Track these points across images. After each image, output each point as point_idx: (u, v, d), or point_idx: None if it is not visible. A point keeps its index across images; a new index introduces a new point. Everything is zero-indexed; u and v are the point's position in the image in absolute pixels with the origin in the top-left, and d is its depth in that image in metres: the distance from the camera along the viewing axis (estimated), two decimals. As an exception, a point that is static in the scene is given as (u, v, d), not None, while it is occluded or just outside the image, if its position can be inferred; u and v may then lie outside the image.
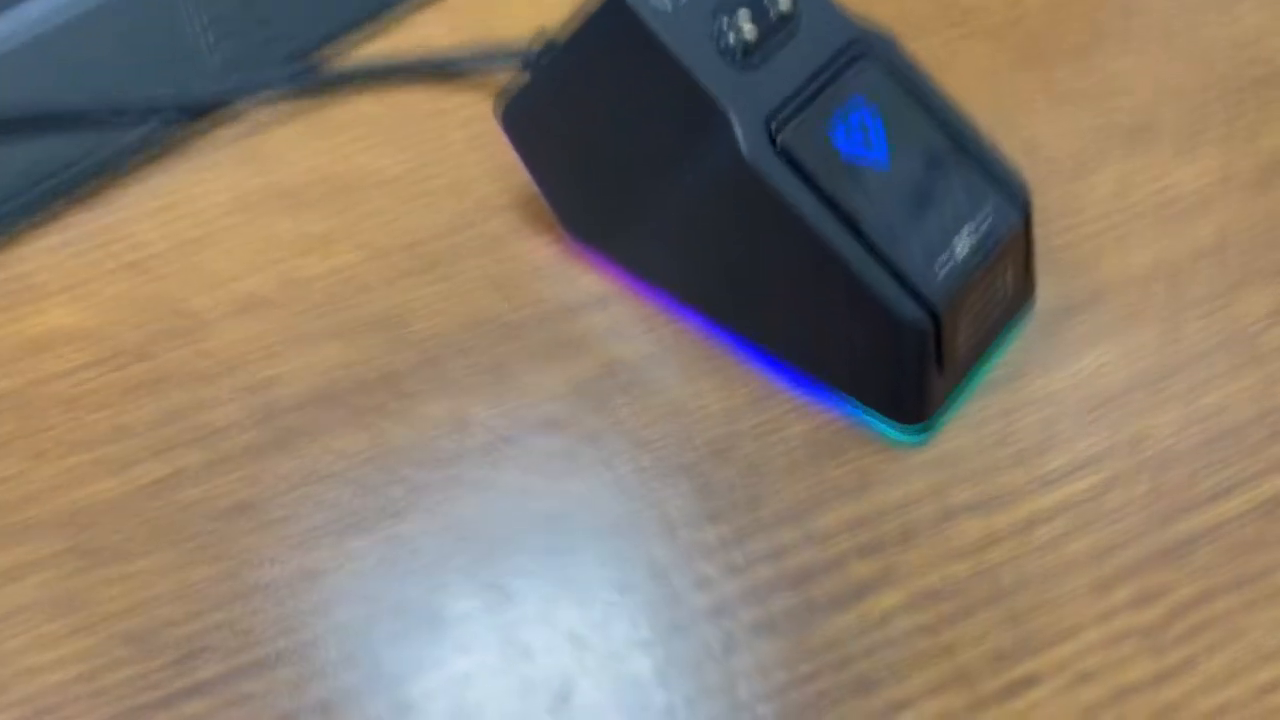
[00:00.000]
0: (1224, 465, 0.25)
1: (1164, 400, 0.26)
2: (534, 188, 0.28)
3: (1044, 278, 0.28)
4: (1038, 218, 0.28)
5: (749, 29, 0.23)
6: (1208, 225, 0.29)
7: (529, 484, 0.24)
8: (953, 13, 0.33)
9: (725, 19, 0.23)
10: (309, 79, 0.30)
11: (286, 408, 0.25)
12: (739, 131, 0.23)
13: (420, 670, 0.22)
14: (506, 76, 0.31)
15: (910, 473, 0.25)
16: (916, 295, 0.23)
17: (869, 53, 0.24)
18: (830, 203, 0.23)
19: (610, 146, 0.25)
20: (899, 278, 0.23)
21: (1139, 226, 0.29)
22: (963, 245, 0.24)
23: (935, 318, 0.23)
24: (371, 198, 0.29)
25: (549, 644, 0.23)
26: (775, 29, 0.24)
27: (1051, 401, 0.26)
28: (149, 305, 0.27)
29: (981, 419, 0.25)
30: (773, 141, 0.23)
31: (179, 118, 0.29)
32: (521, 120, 0.26)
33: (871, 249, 0.23)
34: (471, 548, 0.24)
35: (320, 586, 0.23)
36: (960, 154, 0.24)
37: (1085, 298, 0.27)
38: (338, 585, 0.23)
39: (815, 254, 0.23)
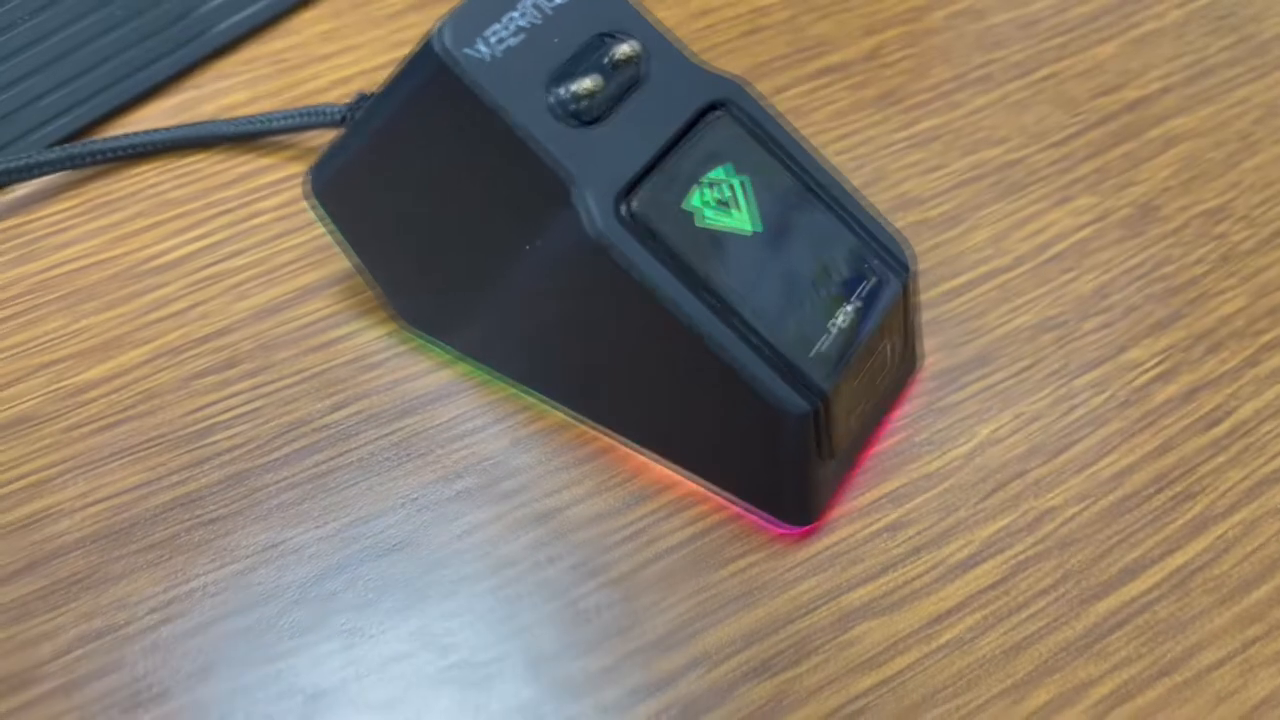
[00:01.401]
0: (1130, 541, 0.23)
1: (1063, 472, 0.24)
2: (354, 264, 0.24)
3: (929, 340, 0.25)
4: (917, 275, 0.26)
5: (587, 82, 0.20)
6: (1089, 274, 0.27)
7: (363, 624, 0.21)
8: (806, 53, 0.31)
9: (557, 68, 0.20)
10: (84, 159, 0.25)
11: (60, 549, 0.21)
12: (584, 201, 0.20)
13: None
14: (323, 139, 0.27)
15: (801, 575, 0.22)
16: (795, 379, 0.20)
17: (723, 104, 0.22)
18: (692, 278, 0.20)
19: (438, 220, 0.22)
20: (774, 361, 0.20)
21: (1020, 279, 0.27)
22: (843, 319, 0.21)
23: (816, 403, 0.20)
24: (159, 285, 0.25)
25: (393, 821, 0.19)
26: (617, 80, 0.21)
27: (946, 480, 0.23)
28: (-119, 431, 0.22)
29: (873, 506, 0.23)
30: (622, 211, 0.20)
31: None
32: (334, 187, 0.23)
33: (742, 329, 0.20)
34: (293, 708, 0.20)
35: (106, 772, 0.19)
36: (832, 216, 0.22)
37: (972, 360, 0.25)
38: (127, 770, 0.19)
39: (678, 337, 0.20)
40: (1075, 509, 0.23)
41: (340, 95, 0.28)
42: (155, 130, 0.26)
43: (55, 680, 0.20)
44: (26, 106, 0.26)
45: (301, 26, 0.29)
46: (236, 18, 0.28)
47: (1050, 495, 0.23)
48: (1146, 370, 0.25)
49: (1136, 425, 0.25)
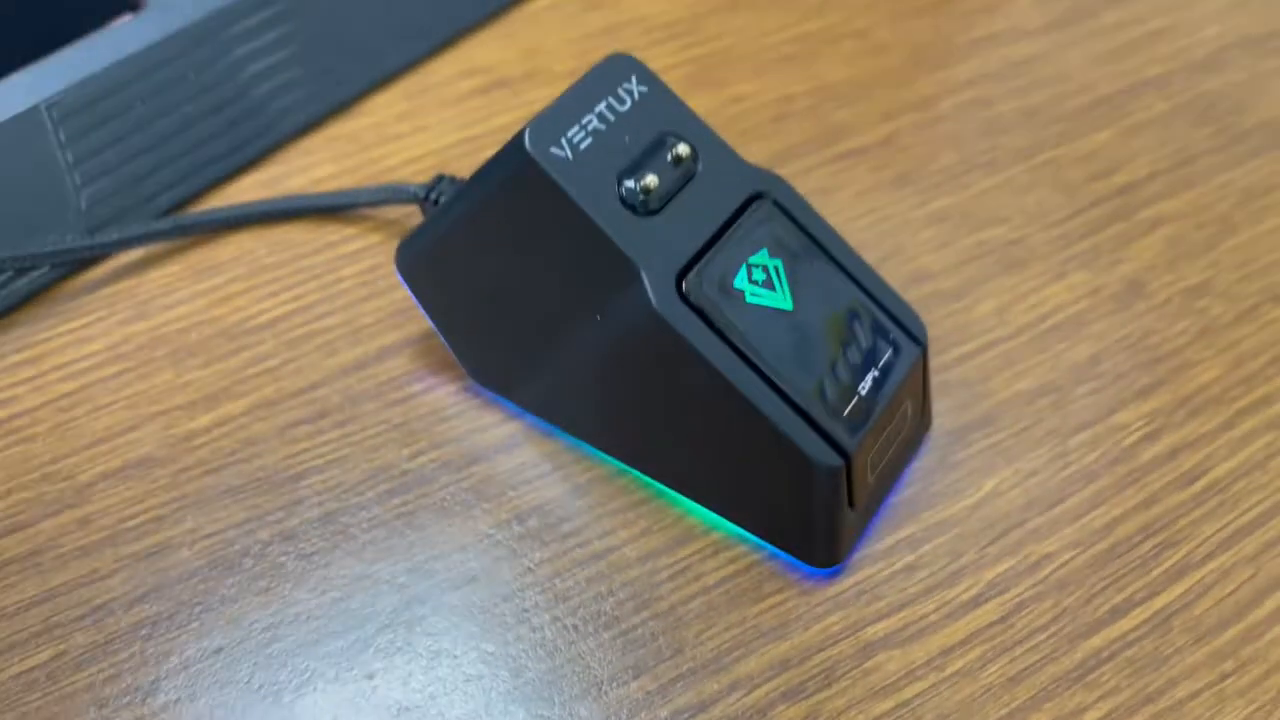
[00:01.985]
0: (1117, 584, 0.26)
1: (1058, 522, 0.27)
2: (432, 328, 0.27)
3: (939, 402, 0.28)
4: (930, 343, 0.29)
5: (651, 178, 0.23)
6: (1083, 343, 0.30)
7: (444, 646, 0.24)
8: (829, 136, 0.34)
9: (625, 165, 0.23)
10: (189, 228, 0.28)
11: (178, 577, 0.24)
12: (647, 282, 0.23)
13: None
14: (399, 213, 0.30)
15: (827, 610, 0.25)
16: (827, 438, 0.23)
17: (765, 195, 0.25)
18: (738, 349, 0.23)
19: (513, 293, 0.25)
20: (809, 422, 0.23)
21: (1021, 347, 0.30)
22: (867, 385, 0.24)
23: (846, 459, 0.23)
24: (257, 342, 0.28)
25: (473, 819, 0.22)
26: (675, 175, 0.24)
27: (955, 528, 0.26)
28: (20, 471, 0.25)
29: (891, 549, 0.26)
30: (680, 290, 0.23)
31: (51, 275, 0.27)
32: (418, 264, 0.26)
33: (781, 394, 0.23)
34: (385, 719, 0.23)
35: (221, 773, 0.22)
36: (858, 293, 0.25)
37: (978, 420, 0.28)
38: (241, 771, 0.22)
39: (727, 401, 0.23)
40: (1069, 555, 0.26)
41: (412, 172, 0.31)
42: (251, 203, 0.29)
43: (179, 691, 0.22)
44: (140, 181, 0.29)
45: (377, 108, 0.33)
46: (316, 106, 0.31)
47: (1047, 542, 0.26)
48: (1133, 431, 0.28)
49: (1124, 481, 0.28)
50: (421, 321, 0.28)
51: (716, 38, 0.36)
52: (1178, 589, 0.26)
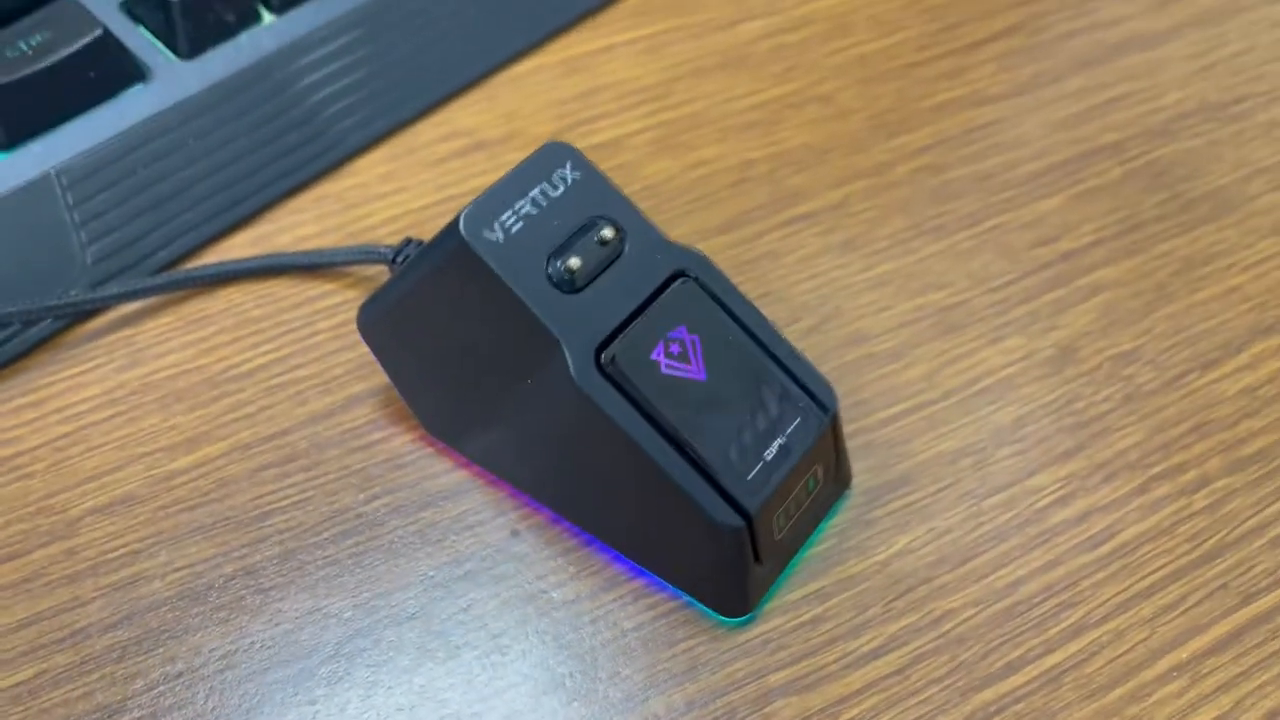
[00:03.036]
0: (1014, 640, 0.28)
1: (964, 579, 0.28)
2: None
3: (861, 460, 0.30)
4: (857, 403, 0.31)
5: (575, 259, 0.26)
6: (1009, 407, 0.32)
7: (380, 678, 0.26)
8: (782, 201, 0.36)
9: (555, 246, 0.26)
10: (182, 283, 0.31)
11: (149, 606, 0.27)
12: (568, 356, 0.25)
13: None
14: (373, 271, 0.33)
15: (734, 657, 0.27)
16: (730, 499, 0.25)
17: (687, 273, 0.27)
18: (651, 417, 0.25)
19: (456, 359, 0.27)
20: (715, 484, 0.25)
21: (948, 409, 0.32)
22: (773, 450, 0.26)
23: (748, 519, 0.26)
24: (238, 390, 0.31)
25: (395, 836, 0.24)
26: (600, 255, 0.26)
27: (864, 583, 0.28)
28: (17, 504, 0.28)
29: (800, 602, 0.28)
30: (598, 363, 0.25)
31: (54, 325, 0.30)
32: (377, 326, 0.28)
33: (690, 459, 0.25)
34: (323, 742, 0.25)
35: (177, 785, 0.24)
36: (770, 363, 0.27)
37: (897, 480, 0.30)
38: (193, 784, 0.25)
39: (639, 465, 0.25)
40: (971, 612, 0.28)
41: (390, 231, 0.34)
42: (239, 260, 0.32)
43: (142, 710, 0.25)
44: (140, 239, 0.32)
45: (363, 169, 0.35)
46: (304, 171, 0.34)
47: (951, 599, 0.28)
48: (1048, 494, 0.30)
49: (1033, 542, 0.29)
50: (384, 376, 0.30)
51: (687, 102, 0.38)
52: (1072, 647, 0.28)
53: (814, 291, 0.34)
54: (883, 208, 0.36)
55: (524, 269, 0.25)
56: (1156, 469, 0.31)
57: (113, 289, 0.31)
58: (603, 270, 0.26)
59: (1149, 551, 0.29)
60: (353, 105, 0.35)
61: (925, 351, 0.33)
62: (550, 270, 0.26)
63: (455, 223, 0.25)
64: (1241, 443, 0.31)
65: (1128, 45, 0.41)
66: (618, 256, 0.26)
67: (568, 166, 0.27)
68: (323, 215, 0.34)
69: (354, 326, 0.31)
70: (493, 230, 0.25)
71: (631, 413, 0.25)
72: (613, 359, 0.25)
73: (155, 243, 0.32)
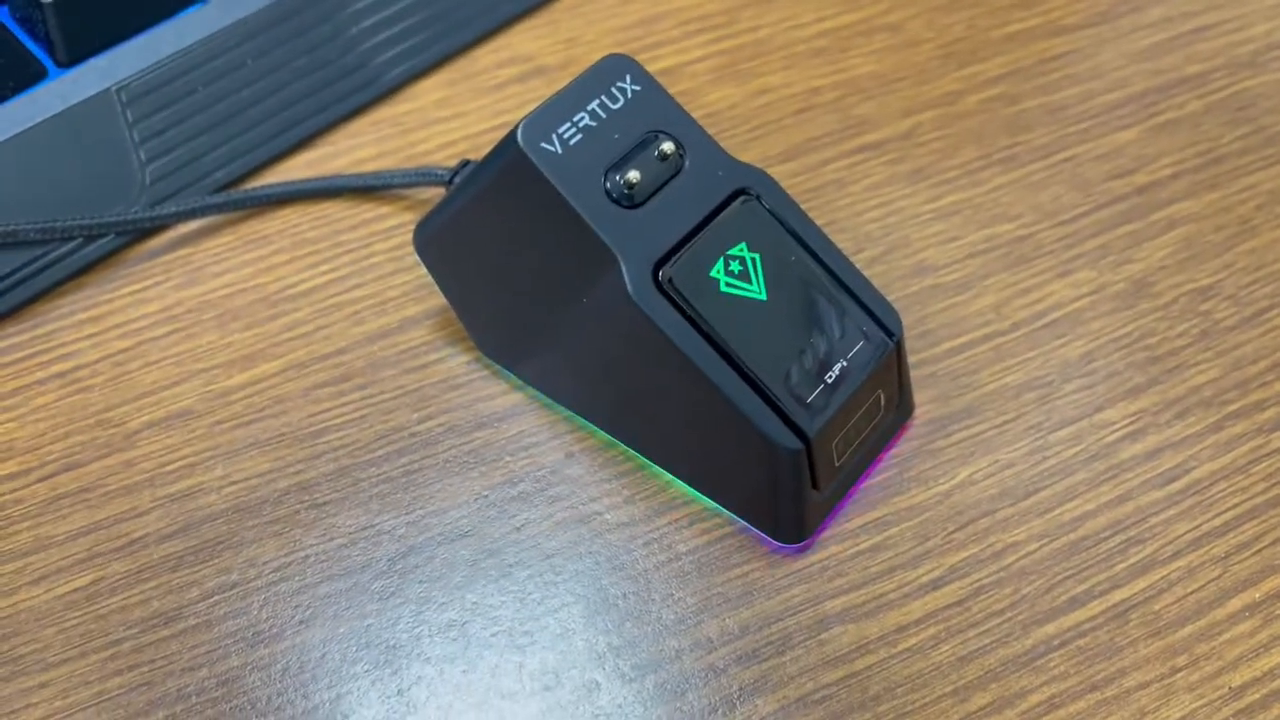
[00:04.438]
0: (1079, 576, 0.27)
1: (1028, 514, 0.28)
2: (447, 302, 0.29)
3: (925, 391, 0.30)
4: (922, 334, 0.31)
5: (634, 173, 0.25)
6: (1078, 341, 0.31)
7: (431, 594, 0.26)
8: (849, 129, 0.35)
9: (613, 160, 0.25)
10: (241, 203, 0.31)
11: (205, 518, 0.27)
12: (625, 271, 0.25)
13: (322, 775, 0.24)
14: (430, 194, 0.32)
15: (790, 583, 0.26)
16: (789, 422, 0.25)
17: (748, 190, 0.26)
18: (709, 336, 0.25)
19: (513, 276, 0.27)
20: (773, 406, 0.25)
21: (1015, 342, 0.31)
22: (834, 373, 0.26)
23: (807, 442, 0.25)
24: (293, 310, 0.30)
25: (445, 749, 0.24)
26: (660, 170, 0.26)
27: (924, 513, 0.28)
28: (77, 416, 0.28)
29: (859, 530, 0.27)
30: (656, 279, 0.25)
31: (115, 242, 0.30)
32: (433, 244, 0.28)
33: (748, 379, 0.25)
34: (373, 655, 0.25)
35: (230, 694, 0.25)
36: (834, 285, 0.26)
37: (961, 411, 0.29)
38: (246, 693, 0.25)
39: (696, 385, 0.25)
40: (1035, 545, 0.27)
41: (447, 156, 0.34)
42: (297, 181, 0.32)
43: (198, 618, 0.25)
44: (198, 159, 0.32)
45: (421, 94, 0.35)
46: (361, 95, 0.34)
47: (1014, 532, 0.27)
48: (1117, 429, 0.29)
49: (1101, 477, 0.28)
50: (440, 298, 0.30)
51: (751, 30, 0.37)
52: (1140, 584, 0.27)
53: (879, 221, 0.33)
54: (952, 138, 0.35)
55: (582, 182, 0.25)
56: (1233, 406, 0.30)
57: (172, 207, 0.31)
58: (662, 185, 0.26)
59: (1223, 489, 0.28)
60: (411, 28, 0.35)
61: (993, 283, 0.32)
62: (608, 184, 0.25)
63: (513, 134, 0.25)
64: (1325, 381, 0.30)
65: (1214, -27, 0.40)
66: (678, 172, 0.26)
67: (628, 79, 0.26)
68: (380, 139, 0.34)
69: (410, 249, 0.31)
70: (551, 142, 0.25)
71: (689, 331, 0.25)
72: (671, 276, 0.25)
73: (214, 162, 0.32)
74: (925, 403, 0.29)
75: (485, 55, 0.36)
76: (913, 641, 0.26)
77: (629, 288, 0.24)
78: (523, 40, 0.37)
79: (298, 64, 0.33)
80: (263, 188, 0.32)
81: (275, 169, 0.33)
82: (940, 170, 0.34)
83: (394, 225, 0.32)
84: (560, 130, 0.25)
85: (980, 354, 0.30)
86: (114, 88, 0.31)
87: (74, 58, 0.31)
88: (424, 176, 0.31)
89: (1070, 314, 0.31)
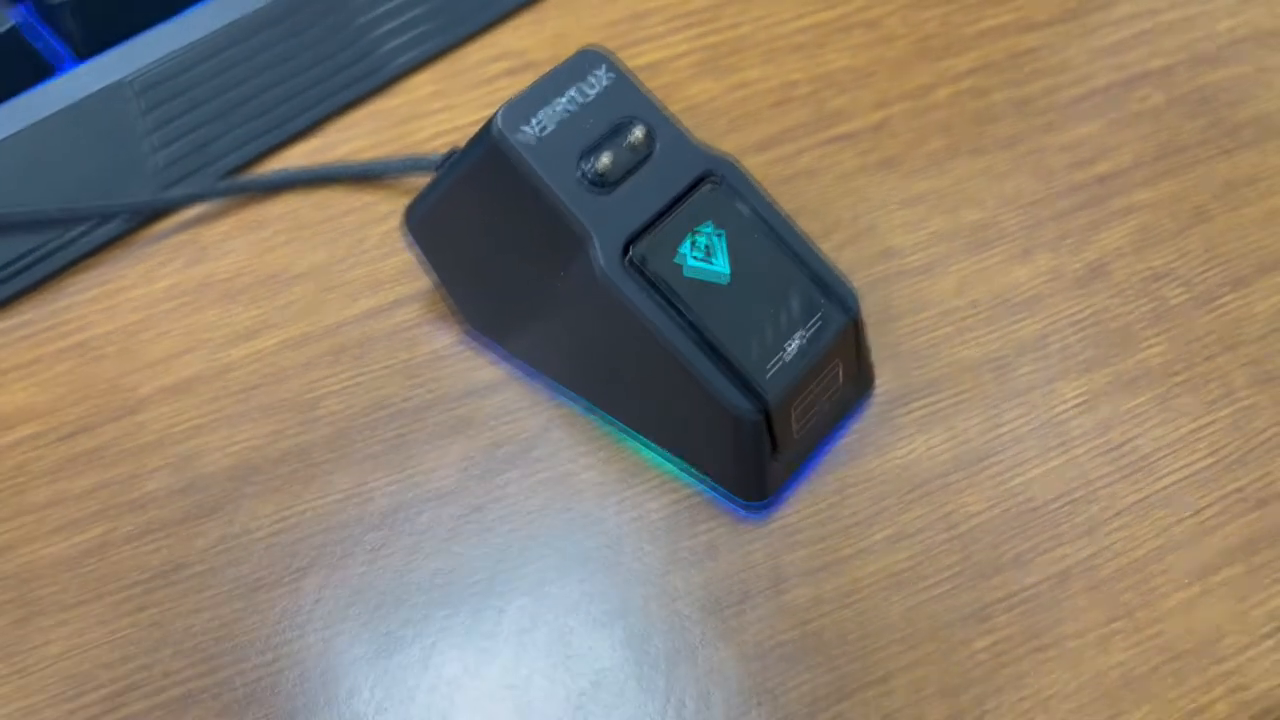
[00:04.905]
0: (1025, 539, 0.28)
1: (980, 481, 0.29)
2: (435, 281, 0.31)
3: (887, 366, 0.31)
4: (886, 314, 0.32)
5: (606, 158, 0.27)
6: (1035, 321, 0.32)
7: (419, 545, 0.28)
8: (823, 121, 0.37)
9: (587, 146, 0.27)
10: (242, 188, 0.33)
11: (209, 476, 0.29)
12: (597, 249, 0.26)
13: (317, 710, 0.26)
14: (422, 180, 0.34)
15: (752, 543, 0.28)
16: (749, 391, 0.27)
17: (714, 175, 0.28)
18: (676, 311, 0.27)
19: (495, 255, 0.29)
20: (735, 376, 0.27)
21: (974, 322, 0.32)
22: (793, 346, 0.27)
23: (766, 411, 0.27)
24: (292, 288, 0.32)
25: (431, 685, 0.26)
26: (631, 156, 0.27)
27: (881, 480, 0.29)
28: (91, 383, 0.30)
29: (819, 494, 0.29)
30: (625, 256, 0.27)
31: (127, 224, 0.33)
32: (422, 224, 0.30)
33: (711, 351, 0.27)
34: (366, 600, 0.27)
35: (232, 634, 0.27)
36: (795, 264, 0.28)
37: (921, 386, 0.31)
38: (247, 633, 0.27)
39: (662, 356, 0.27)
40: (984, 508, 0.29)
41: (439, 145, 0.36)
42: (299, 168, 0.34)
43: (204, 565, 0.27)
44: (206, 145, 0.34)
45: (415, 87, 0.37)
46: (359, 86, 0.36)
47: (965, 496, 0.29)
48: (1068, 402, 0.31)
49: (1050, 446, 0.30)
50: (429, 277, 0.32)
51: (733, 26, 0.39)
52: (1084, 545, 0.28)
53: (849, 208, 0.35)
54: (922, 129, 0.37)
55: (556, 166, 0.27)
56: (1180, 379, 0.31)
57: (180, 191, 0.33)
58: (633, 170, 0.27)
59: (1168, 460, 0.30)
60: (407, 24, 0.37)
61: (955, 267, 0.34)
62: (582, 168, 0.27)
63: (491, 122, 0.27)
64: (1269, 357, 0.32)
65: (1180, -28, 0.41)
66: (648, 157, 0.28)
67: (602, 70, 0.28)
68: (376, 129, 0.36)
69: (402, 232, 0.33)
70: (526, 129, 0.27)
71: (656, 306, 0.27)
72: (639, 254, 0.27)
73: (220, 150, 0.34)
74: (887, 378, 0.31)
75: (476, 51, 0.38)
76: (865, 598, 0.27)
77: (600, 265, 0.26)
78: (512, 36, 0.39)
79: (302, 57, 0.35)
80: (266, 174, 0.34)
81: (278, 156, 0.35)
82: (909, 160, 0.36)
83: (388, 211, 0.34)
84: (536, 118, 0.27)
85: (941, 333, 0.32)
86: (127, 79, 0.33)
87: (90, 51, 0.33)
88: (415, 164, 0.33)
89: (1029, 296, 0.33)
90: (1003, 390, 0.31)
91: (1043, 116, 0.37)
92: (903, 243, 0.34)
